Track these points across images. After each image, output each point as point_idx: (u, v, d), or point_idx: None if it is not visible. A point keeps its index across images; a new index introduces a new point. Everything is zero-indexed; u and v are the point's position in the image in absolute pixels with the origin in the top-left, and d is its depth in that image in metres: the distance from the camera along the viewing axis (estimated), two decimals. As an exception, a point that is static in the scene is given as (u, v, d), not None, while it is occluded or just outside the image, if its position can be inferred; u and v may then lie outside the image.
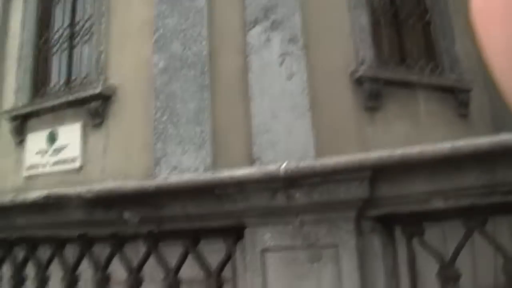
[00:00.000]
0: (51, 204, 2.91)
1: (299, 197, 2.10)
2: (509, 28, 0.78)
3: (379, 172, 2.05)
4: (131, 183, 2.53)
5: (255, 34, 6.63)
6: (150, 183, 2.39)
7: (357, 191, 2.06)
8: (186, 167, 6.10)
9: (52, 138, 7.53)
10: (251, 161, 6.03)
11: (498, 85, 0.84)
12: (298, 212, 2.14)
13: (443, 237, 4.79)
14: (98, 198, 2.64)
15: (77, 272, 3.19)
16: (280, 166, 2.05)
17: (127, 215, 2.61)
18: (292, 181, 2.07)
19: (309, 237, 2.15)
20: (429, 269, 2.31)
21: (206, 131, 6.20)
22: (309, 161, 2.05)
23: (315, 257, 2.16)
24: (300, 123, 6.26)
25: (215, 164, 6.10)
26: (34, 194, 3.05)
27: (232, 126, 6.32)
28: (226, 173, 2.20)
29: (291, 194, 2.10)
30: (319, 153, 6.13)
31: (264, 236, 2.21)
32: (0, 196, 7.89)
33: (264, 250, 2.23)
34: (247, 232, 2.27)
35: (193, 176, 2.36)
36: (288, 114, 6.25)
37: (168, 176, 6.02)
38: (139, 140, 6.67)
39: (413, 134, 6.92)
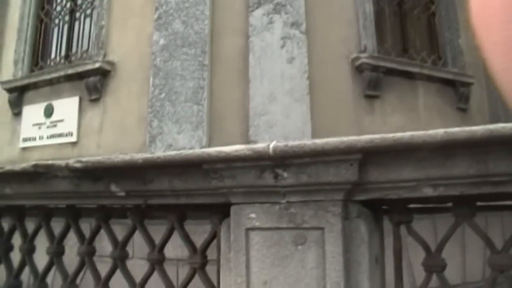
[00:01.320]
0: (40, 174, 2.88)
1: (287, 177, 2.07)
2: (508, 29, 0.77)
3: (370, 156, 2.01)
4: (120, 156, 2.49)
5: (258, 16, 6.57)
6: (138, 156, 2.35)
7: (346, 173, 2.02)
8: (182, 146, 6.07)
9: (49, 111, 7.50)
10: (247, 142, 6.00)
11: (497, 85, 0.84)
12: (286, 192, 2.11)
13: (434, 230, 4.79)
14: (86, 169, 2.61)
15: (63, 243, 3.18)
16: (269, 144, 2.01)
17: (114, 188, 2.58)
18: (280, 160, 2.03)
19: (295, 219, 2.12)
20: (419, 259, 2.29)
21: (203, 111, 6.16)
22: (298, 141, 2.01)
23: (300, 239, 2.13)
24: (298, 107, 6.23)
25: (211, 145, 6.07)
26: (22, 164, 3.03)
27: (230, 107, 6.28)
28: (214, 149, 2.17)
29: (279, 174, 2.07)
30: (316, 138, 6.10)
31: (249, 215, 2.19)
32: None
33: (249, 229, 2.20)
34: (233, 210, 2.24)
35: (181, 151, 2.33)
36: (287, 97, 6.22)
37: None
38: (135, 117, 6.63)
39: (411, 125, 6.89)
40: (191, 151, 2.24)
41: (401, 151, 1.99)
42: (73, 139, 7.18)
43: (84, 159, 2.60)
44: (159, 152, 6.04)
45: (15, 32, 8.34)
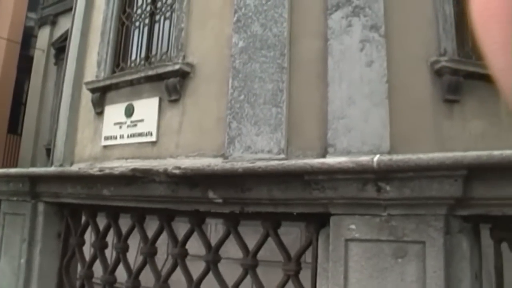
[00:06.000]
0: (137, 178, 3.00)
1: (390, 190, 2.08)
2: (508, 29, 0.79)
3: (475, 172, 1.99)
4: (220, 164, 2.57)
5: (336, 19, 6.55)
6: (239, 165, 2.42)
7: (450, 189, 2.01)
8: (260, 148, 6.14)
9: (129, 111, 7.75)
10: (325, 146, 6.02)
11: (497, 84, 0.87)
12: (387, 205, 2.13)
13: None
14: (184, 175, 2.70)
15: (156, 245, 3.30)
16: (373, 158, 2.03)
17: (211, 194, 2.66)
18: (384, 173, 2.05)
19: (396, 232, 2.13)
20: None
21: (282, 113, 6.21)
22: (403, 156, 2.01)
23: (400, 252, 2.14)
24: (377, 111, 6.18)
25: (289, 147, 6.12)
26: (121, 168, 3.16)
27: (309, 109, 6.30)
28: (317, 161, 2.20)
29: (381, 187, 2.08)
30: (394, 142, 6.06)
31: (349, 226, 2.21)
32: (79, 164, 8.24)
33: (348, 240, 2.22)
34: (333, 221, 2.27)
35: (282, 161, 2.37)
36: (366, 101, 6.18)
37: (242, 155, 6.09)
38: (214, 118, 6.76)
39: (491, 132, 6.71)
40: (293, 162, 2.27)
41: (508, 168, 1.96)
42: (153, 138, 7.38)
43: (183, 166, 2.69)
44: (238, 154, 6.16)
45: (98, 35, 8.67)
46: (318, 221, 2.42)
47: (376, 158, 2.04)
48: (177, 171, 2.70)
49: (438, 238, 2.08)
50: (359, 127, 6.06)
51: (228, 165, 2.48)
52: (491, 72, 0.93)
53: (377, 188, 2.10)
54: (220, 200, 2.63)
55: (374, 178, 2.09)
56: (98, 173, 3.12)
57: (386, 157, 2.03)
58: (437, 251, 2.08)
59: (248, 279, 2.80)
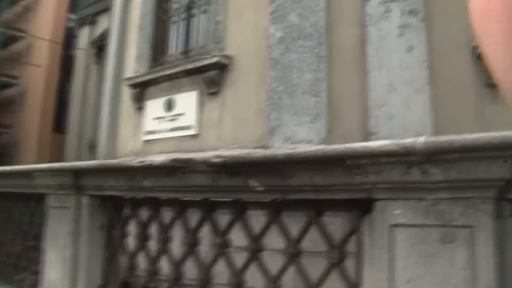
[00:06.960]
0: (177, 168, 3.00)
1: (435, 173, 2.01)
2: (507, 29, 0.76)
3: (526, 152, 1.91)
4: (260, 151, 2.54)
5: (374, 5, 6.44)
6: (279, 152, 2.39)
7: (499, 170, 1.93)
8: (300, 138, 6.09)
9: (169, 105, 7.81)
10: (367, 134, 5.93)
11: (497, 83, 0.85)
12: (433, 189, 2.05)
13: None
14: (225, 164, 2.68)
15: (198, 235, 3.30)
16: (417, 139, 1.96)
17: (252, 182, 2.63)
18: (429, 156, 1.98)
19: (443, 216, 2.06)
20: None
21: (322, 103, 6.14)
22: (448, 136, 1.95)
23: (448, 237, 2.07)
24: (418, 97, 6.05)
25: (329, 136, 6.05)
26: (161, 158, 3.16)
27: (348, 98, 6.22)
28: (358, 145, 2.15)
29: (427, 170, 2.01)
30: (437, 128, 5.92)
31: (394, 212, 2.15)
32: (120, 158, 8.35)
33: (394, 226, 2.16)
34: (377, 206, 2.21)
35: (322, 146, 2.33)
36: (406, 87, 6.05)
37: (282, 146, 6.06)
38: (254, 109, 6.74)
39: (537, 116, 6.48)
40: (334, 146, 2.22)
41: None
42: (193, 132, 7.42)
43: (223, 154, 2.67)
44: (278, 145, 6.13)
45: (136, 31, 8.75)
46: (362, 207, 2.37)
47: (420, 139, 1.97)
48: (217, 160, 2.68)
49: (488, 222, 2.00)
50: (400, 114, 5.95)
51: (268, 152, 2.46)
52: (491, 72, 0.90)
53: (422, 171, 2.03)
54: (261, 188, 2.61)
55: (418, 160, 2.02)
56: (138, 164, 3.14)
57: (430, 139, 1.97)
58: (487, 236, 2.00)
59: (289, 271, 2.76)
